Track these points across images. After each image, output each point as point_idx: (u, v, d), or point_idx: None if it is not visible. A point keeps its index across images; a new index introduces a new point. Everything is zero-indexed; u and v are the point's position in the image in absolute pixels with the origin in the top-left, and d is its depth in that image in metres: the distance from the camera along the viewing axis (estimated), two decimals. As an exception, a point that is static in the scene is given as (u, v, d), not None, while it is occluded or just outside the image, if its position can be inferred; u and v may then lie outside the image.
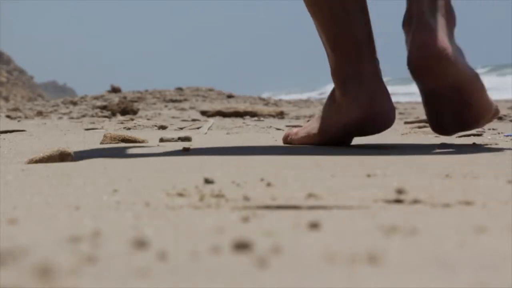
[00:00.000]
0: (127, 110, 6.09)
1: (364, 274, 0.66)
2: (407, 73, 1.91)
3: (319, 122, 2.03)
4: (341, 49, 1.87)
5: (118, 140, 2.57)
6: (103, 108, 6.59)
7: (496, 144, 2.43)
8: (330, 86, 2.09)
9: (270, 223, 0.94)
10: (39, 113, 6.93)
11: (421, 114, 5.87)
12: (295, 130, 2.20)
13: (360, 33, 1.88)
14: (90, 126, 4.32)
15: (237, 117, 5.85)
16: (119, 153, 2.11)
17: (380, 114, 1.86)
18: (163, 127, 3.98)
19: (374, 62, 1.91)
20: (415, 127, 3.59)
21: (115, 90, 10.52)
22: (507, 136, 2.89)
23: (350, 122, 1.89)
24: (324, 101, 2.48)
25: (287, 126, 4.31)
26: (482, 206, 1.07)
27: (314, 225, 0.89)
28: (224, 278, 0.65)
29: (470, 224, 0.92)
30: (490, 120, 2.01)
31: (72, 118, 5.97)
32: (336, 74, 1.93)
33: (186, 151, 2.13)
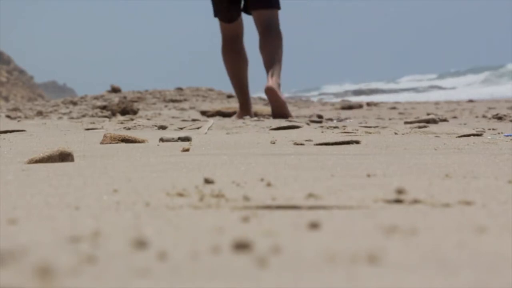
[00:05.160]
0: (127, 110, 6.09)
1: (364, 274, 0.66)
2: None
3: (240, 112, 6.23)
4: (238, 96, 6.29)
5: (118, 140, 2.57)
6: (103, 108, 6.59)
7: (496, 144, 2.43)
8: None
9: (270, 223, 0.94)
10: (39, 113, 6.93)
11: (421, 114, 5.87)
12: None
13: (245, 90, 6.25)
14: (90, 126, 4.32)
15: (237, 117, 5.87)
16: (119, 153, 2.12)
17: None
18: (163, 127, 3.98)
19: (248, 98, 6.17)
20: (415, 127, 3.58)
21: (115, 90, 10.51)
22: (507, 136, 2.89)
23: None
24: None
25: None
26: (482, 206, 1.07)
27: (314, 225, 0.89)
28: (224, 278, 0.65)
29: (470, 224, 0.92)
30: (288, 115, 5.75)
31: (72, 118, 5.97)
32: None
33: (186, 151, 2.13)
